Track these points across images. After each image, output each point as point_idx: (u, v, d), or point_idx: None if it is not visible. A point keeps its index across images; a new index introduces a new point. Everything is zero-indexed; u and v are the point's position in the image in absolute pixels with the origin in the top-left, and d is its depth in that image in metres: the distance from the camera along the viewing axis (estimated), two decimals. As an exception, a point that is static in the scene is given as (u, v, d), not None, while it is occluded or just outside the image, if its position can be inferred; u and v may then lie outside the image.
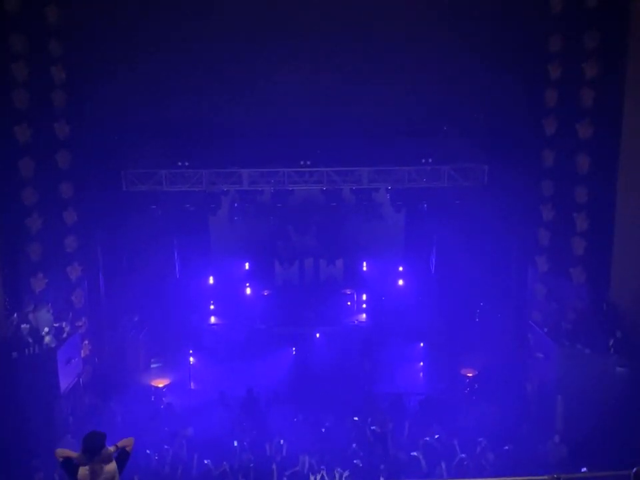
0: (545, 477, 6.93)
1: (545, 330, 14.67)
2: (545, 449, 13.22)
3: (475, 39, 14.11)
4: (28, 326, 13.70)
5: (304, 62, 14.54)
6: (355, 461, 12.09)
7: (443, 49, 14.28)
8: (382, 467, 12.26)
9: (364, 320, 19.29)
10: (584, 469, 11.27)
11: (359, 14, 14.24)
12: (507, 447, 12.71)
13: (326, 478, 11.27)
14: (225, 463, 12.34)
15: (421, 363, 17.97)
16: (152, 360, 17.26)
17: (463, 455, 12.32)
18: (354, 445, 13.19)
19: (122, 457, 6.95)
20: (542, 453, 13.14)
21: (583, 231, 14.46)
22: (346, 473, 11.41)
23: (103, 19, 14.01)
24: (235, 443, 13.44)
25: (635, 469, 6.90)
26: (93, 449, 6.76)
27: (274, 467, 12.18)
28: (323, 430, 14.14)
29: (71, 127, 14.65)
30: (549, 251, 15.20)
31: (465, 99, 14.84)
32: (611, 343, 13.43)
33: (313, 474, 11.78)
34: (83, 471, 6.77)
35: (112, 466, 6.80)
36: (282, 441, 13.30)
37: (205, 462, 12.59)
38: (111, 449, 6.88)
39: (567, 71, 14.26)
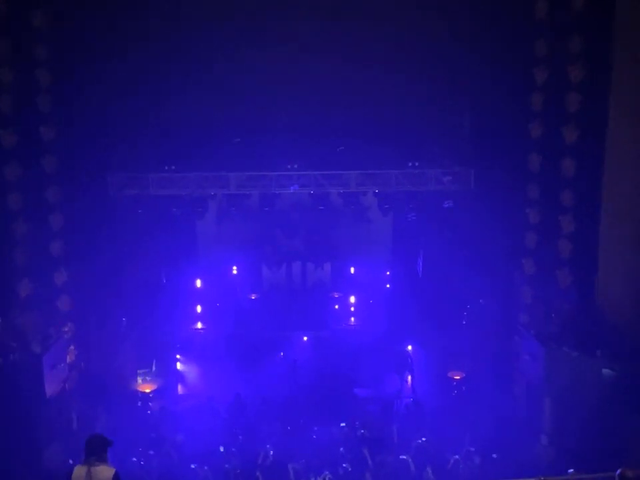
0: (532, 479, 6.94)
1: (532, 332, 14.72)
2: (532, 451, 13.26)
3: (461, 44, 14.19)
4: (13, 331, 13.58)
5: (292, 66, 14.56)
6: (344, 465, 12.06)
7: (430, 54, 14.36)
8: (370, 470, 12.25)
9: (352, 323, 19.28)
10: (571, 471, 11.33)
11: (347, 19, 14.29)
12: (494, 455, 12.72)
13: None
14: (205, 467, 12.29)
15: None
16: (139, 371, 16.87)
17: (457, 457, 12.34)
18: (341, 449, 13.17)
19: None
20: (529, 455, 13.18)
21: (569, 233, 14.55)
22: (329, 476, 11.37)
23: (89, 22, 13.95)
24: (221, 449, 13.37)
25: (619, 471, 6.94)
26: (90, 446, 6.73)
27: (258, 474, 12.12)
28: (314, 437, 14.10)
29: (56, 131, 14.54)
30: (535, 253, 15.26)
31: (452, 103, 14.91)
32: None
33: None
34: (77, 471, 6.72)
35: (107, 474, 6.71)
36: (268, 446, 13.23)
37: (192, 466, 12.52)
38: None
39: (553, 75, 14.34)
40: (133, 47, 13.91)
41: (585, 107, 14.00)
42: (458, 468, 12.28)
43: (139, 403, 16.18)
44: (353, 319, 19.36)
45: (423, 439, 13.41)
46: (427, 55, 14.40)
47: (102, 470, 6.73)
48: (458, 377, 16.71)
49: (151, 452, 13.13)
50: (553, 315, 14.65)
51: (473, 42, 14.28)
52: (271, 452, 13.03)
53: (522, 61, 14.51)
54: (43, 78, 14.22)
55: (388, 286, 19.81)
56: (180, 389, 17.53)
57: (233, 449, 13.30)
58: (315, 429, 14.33)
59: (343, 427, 14.33)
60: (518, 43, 14.43)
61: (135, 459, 12.79)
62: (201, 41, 14.45)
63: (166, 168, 15.98)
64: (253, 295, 19.49)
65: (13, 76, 13.72)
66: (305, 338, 18.27)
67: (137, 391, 16.39)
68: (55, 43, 14.14)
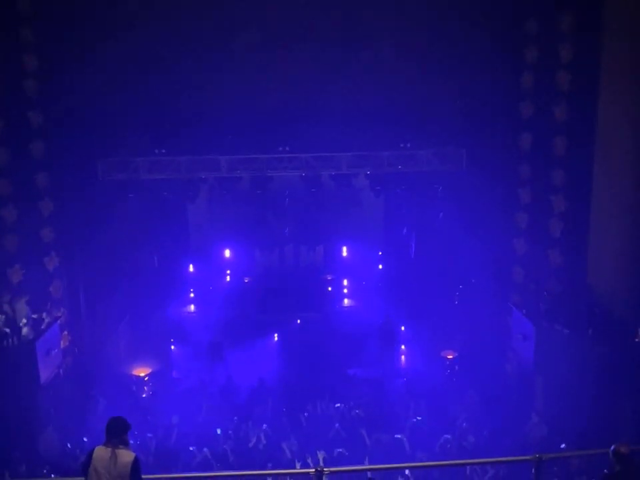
0: (527, 457, 7.02)
1: (524, 311, 14.83)
2: (525, 429, 13.40)
3: (451, 24, 14.11)
4: (5, 317, 13.56)
5: (282, 47, 14.44)
6: (339, 450, 12.12)
7: (420, 35, 14.27)
8: (366, 450, 12.35)
9: (345, 305, 19.35)
10: (563, 446, 11.50)
11: (338, 3, 14.19)
12: (485, 432, 12.85)
13: (310, 463, 11.29)
14: (205, 449, 12.35)
15: (402, 347, 18.10)
16: None
17: (448, 436, 12.45)
18: (337, 425, 13.26)
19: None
20: (522, 432, 13.31)
21: (560, 212, 14.60)
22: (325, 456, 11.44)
23: (77, 6, 13.76)
24: (218, 431, 13.45)
25: (613, 447, 7.03)
26: (112, 429, 6.79)
27: (257, 452, 12.20)
28: (306, 414, 14.20)
29: (44, 116, 14.38)
30: (526, 232, 15.32)
31: (443, 83, 14.84)
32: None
33: (296, 459, 11.81)
34: (99, 452, 6.73)
35: (127, 459, 6.72)
36: (264, 426, 13.33)
37: (190, 449, 12.58)
38: None
39: (543, 54, 14.30)
40: (121, 31, 13.72)
41: (575, 86, 13.98)
42: (451, 446, 12.39)
43: (134, 387, 16.22)
44: (346, 300, 19.44)
45: (418, 418, 13.52)
46: (417, 35, 14.31)
47: (124, 453, 6.74)
48: (451, 356, 16.85)
49: (149, 435, 13.15)
50: (545, 294, 14.74)
51: (463, 21, 14.19)
52: (266, 433, 13.11)
53: (512, 39, 14.45)
54: (30, 62, 14.04)
55: (380, 267, 19.86)
56: (174, 372, 17.57)
57: (230, 431, 13.37)
58: (309, 409, 14.40)
59: (337, 407, 14.42)
60: (508, 22, 14.37)
61: (131, 442, 12.80)
62: (189, 25, 14.27)
63: (156, 152, 15.85)
64: (246, 278, 19.52)
65: (-1, 61, 13.55)
66: (299, 320, 18.33)
67: (132, 375, 16.44)
68: (41, 26, 13.95)
